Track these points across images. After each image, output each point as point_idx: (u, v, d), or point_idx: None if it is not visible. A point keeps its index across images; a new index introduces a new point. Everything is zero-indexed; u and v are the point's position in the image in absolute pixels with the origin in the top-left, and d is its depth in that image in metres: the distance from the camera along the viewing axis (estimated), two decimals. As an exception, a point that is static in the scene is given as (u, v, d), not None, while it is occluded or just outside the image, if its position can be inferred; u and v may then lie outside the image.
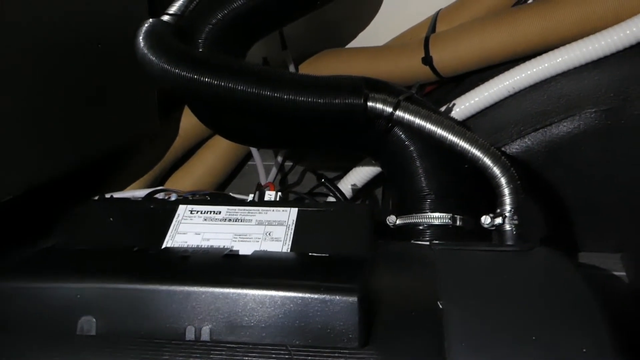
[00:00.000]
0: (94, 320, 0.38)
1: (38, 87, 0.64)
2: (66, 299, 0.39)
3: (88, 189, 0.72)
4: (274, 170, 0.94)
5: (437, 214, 0.55)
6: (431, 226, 0.55)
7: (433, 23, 0.86)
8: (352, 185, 0.82)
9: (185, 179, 0.89)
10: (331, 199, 0.77)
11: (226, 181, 0.96)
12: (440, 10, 0.88)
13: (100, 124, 0.74)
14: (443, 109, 0.73)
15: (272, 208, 0.50)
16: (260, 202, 0.53)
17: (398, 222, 0.56)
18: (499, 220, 0.51)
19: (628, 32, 0.66)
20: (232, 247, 0.46)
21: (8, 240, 0.54)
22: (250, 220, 0.49)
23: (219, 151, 0.92)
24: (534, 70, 0.70)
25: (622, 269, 0.72)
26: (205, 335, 0.38)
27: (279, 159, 0.96)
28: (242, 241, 0.47)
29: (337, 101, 0.54)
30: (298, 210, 0.49)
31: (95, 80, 0.72)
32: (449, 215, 0.55)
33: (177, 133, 0.90)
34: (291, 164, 0.98)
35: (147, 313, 0.38)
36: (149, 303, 0.39)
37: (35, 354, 0.37)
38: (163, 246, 0.47)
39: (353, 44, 0.97)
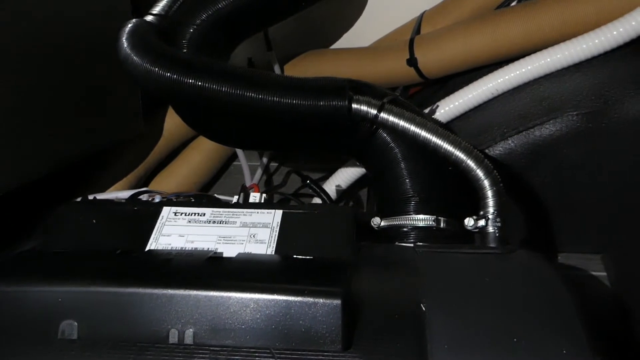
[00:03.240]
0: (76, 324, 0.38)
1: (19, 88, 0.63)
2: (47, 303, 0.38)
3: (70, 189, 0.72)
4: (259, 171, 0.94)
5: (421, 216, 0.55)
6: (415, 228, 0.55)
7: (418, 25, 0.87)
8: (336, 186, 0.82)
9: (169, 180, 0.89)
10: (316, 200, 0.77)
11: (211, 181, 0.95)
12: (424, 12, 0.89)
13: (83, 125, 0.73)
14: (427, 110, 0.74)
15: (256, 210, 0.50)
16: (245, 204, 0.53)
17: (382, 224, 0.57)
18: (482, 223, 0.51)
19: (609, 35, 0.67)
20: (216, 249, 0.46)
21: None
22: (234, 223, 0.49)
23: (203, 152, 0.91)
24: (517, 72, 0.71)
25: (603, 270, 0.73)
26: (188, 339, 0.38)
27: (264, 159, 0.96)
28: (226, 243, 0.47)
29: (321, 103, 0.54)
30: (283, 212, 0.49)
31: (77, 80, 0.72)
32: (433, 218, 0.55)
33: (161, 133, 0.89)
34: (276, 164, 0.98)
35: (129, 316, 0.38)
36: (132, 306, 0.38)
37: (16, 359, 0.37)
38: (147, 248, 0.46)
39: (338, 44, 0.97)
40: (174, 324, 0.38)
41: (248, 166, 0.91)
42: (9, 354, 0.37)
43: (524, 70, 0.71)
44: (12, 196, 0.61)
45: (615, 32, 0.67)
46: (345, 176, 0.82)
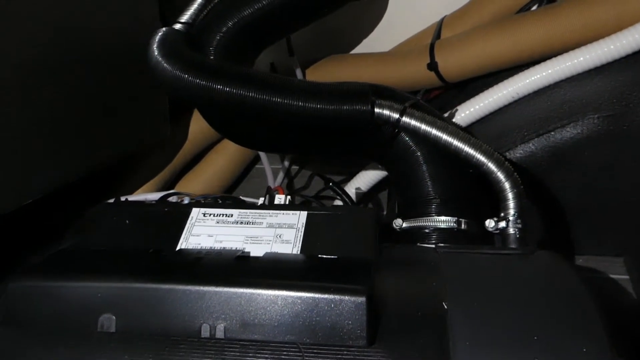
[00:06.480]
0: (114, 317, 0.40)
1: (53, 95, 0.66)
2: (88, 298, 0.40)
3: (101, 192, 0.74)
4: (280, 174, 0.96)
5: (442, 218, 0.56)
6: (437, 229, 0.56)
7: (438, 29, 0.88)
8: (356, 189, 0.83)
9: (195, 182, 0.91)
10: (338, 202, 0.78)
11: (234, 184, 0.97)
12: (445, 16, 0.89)
13: (113, 130, 0.76)
14: (447, 114, 0.74)
15: (282, 211, 0.52)
16: (271, 206, 0.55)
17: (404, 225, 0.58)
18: (502, 224, 0.52)
19: (630, 38, 0.67)
20: (244, 249, 0.48)
21: (26, 243, 0.56)
22: (261, 223, 0.50)
23: (227, 155, 0.93)
24: (538, 76, 0.72)
25: (625, 273, 0.73)
26: (219, 333, 0.40)
27: (286, 162, 0.97)
28: (253, 243, 0.48)
29: (344, 108, 0.56)
30: (307, 213, 0.51)
31: (107, 87, 0.74)
32: (454, 219, 0.56)
33: (186, 137, 0.91)
34: (297, 167, 1.00)
35: (164, 311, 0.40)
36: (166, 302, 0.40)
37: (58, 350, 0.39)
38: (177, 248, 0.48)
39: (358, 49, 0.98)
40: (205, 319, 0.40)
41: (271, 169, 0.93)
42: (54, 345, 0.39)
43: (544, 73, 0.71)
44: (48, 199, 0.64)
45: (637, 35, 0.67)
46: (365, 179, 0.83)
